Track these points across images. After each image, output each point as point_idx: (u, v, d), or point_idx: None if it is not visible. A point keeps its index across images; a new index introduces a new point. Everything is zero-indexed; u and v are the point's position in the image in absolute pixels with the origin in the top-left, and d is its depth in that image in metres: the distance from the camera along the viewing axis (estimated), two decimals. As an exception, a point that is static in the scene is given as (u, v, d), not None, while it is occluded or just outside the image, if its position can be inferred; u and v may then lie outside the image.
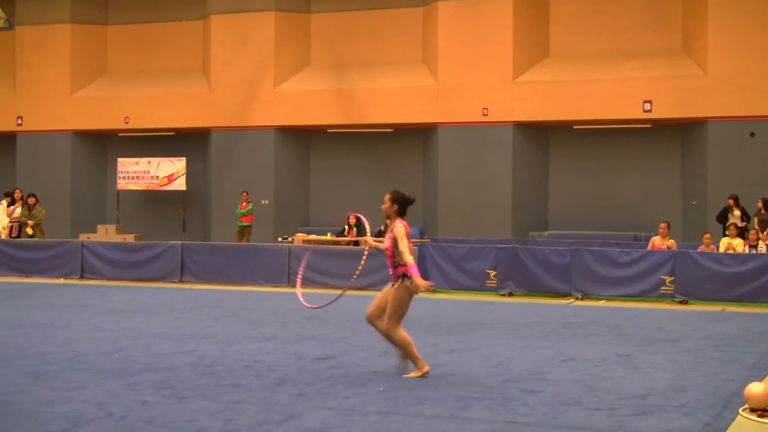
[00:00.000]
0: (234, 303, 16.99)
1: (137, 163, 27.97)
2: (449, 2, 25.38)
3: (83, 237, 24.78)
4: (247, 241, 25.08)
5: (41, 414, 7.83)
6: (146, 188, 27.96)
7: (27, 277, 21.59)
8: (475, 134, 25.21)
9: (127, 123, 28.31)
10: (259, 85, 26.93)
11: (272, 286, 19.95)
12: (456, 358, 10.82)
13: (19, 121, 29.17)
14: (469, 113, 25.20)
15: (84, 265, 21.50)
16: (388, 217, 9.86)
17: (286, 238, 24.78)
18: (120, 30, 29.48)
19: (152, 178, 27.81)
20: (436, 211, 25.56)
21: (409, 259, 9.40)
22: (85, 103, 28.78)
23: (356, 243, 21.86)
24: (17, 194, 23.75)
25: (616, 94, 24.27)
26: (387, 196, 9.76)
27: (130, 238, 25.31)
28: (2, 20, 27.54)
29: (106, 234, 25.89)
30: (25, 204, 23.43)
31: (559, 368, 10.22)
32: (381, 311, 9.69)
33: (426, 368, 9.61)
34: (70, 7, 28.88)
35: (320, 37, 27.49)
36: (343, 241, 22.08)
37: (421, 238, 23.99)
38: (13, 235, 23.18)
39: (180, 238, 25.83)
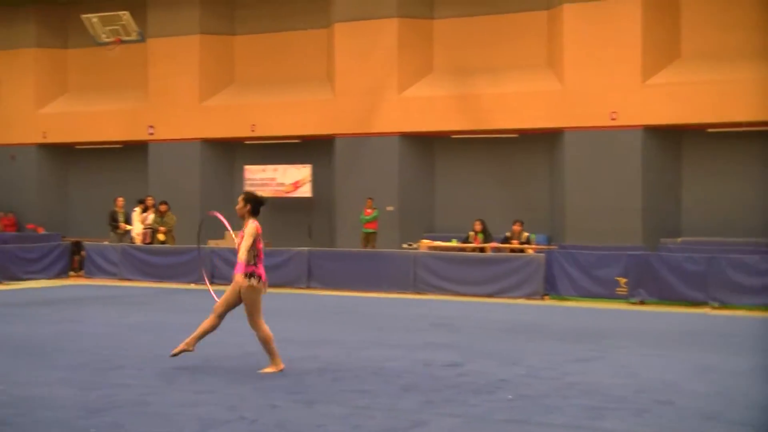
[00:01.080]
0: (360, 309, 17.09)
1: (264, 171, 28.42)
2: (574, 5, 25.03)
3: (211, 243, 25.30)
4: (373, 247, 25.21)
5: (175, 416, 8.01)
6: (273, 195, 28.38)
7: (159, 282, 22.16)
8: (603, 139, 24.79)
9: (253, 131, 28.79)
10: (383, 91, 27.05)
11: (398, 293, 20.00)
12: (586, 367, 10.64)
13: (151, 131, 29.98)
14: (597, 117, 24.78)
15: (214, 270, 21.95)
16: (242, 217, 10.27)
17: (412, 245, 24.82)
18: (246, 40, 30.02)
19: (278, 185, 28.22)
20: (564, 217, 25.22)
21: (242, 255, 9.91)
22: (213, 112, 29.40)
23: (482, 250, 21.74)
24: (149, 201, 24.43)
25: (753, 95, 23.49)
26: (240, 197, 10.33)
27: (257, 245, 25.66)
28: (135, 33, 28.36)
29: (232, 240, 26.30)
30: (157, 211, 24.08)
31: (695, 379, 9.94)
32: (228, 307, 10.19)
33: (281, 365, 10.11)
34: (199, 20, 29.55)
35: (443, 42, 27.45)
36: (468, 247, 21.98)
37: (548, 244, 23.71)
38: (146, 242, 23.85)
39: (306, 244, 26.13)
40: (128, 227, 24.69)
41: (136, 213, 24.49)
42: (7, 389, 8.99)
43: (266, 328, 10.14)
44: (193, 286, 21.51)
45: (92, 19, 28.27)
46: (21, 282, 22.01)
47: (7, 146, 32.25)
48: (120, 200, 24.81)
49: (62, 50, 32.47)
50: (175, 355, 10.37)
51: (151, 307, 17.15)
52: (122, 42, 28.71)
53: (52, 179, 32.43)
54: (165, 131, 29.77)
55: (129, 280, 22.63)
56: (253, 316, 10.08)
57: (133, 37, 28.51)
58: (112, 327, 13.94)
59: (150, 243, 23.75)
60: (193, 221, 27.98)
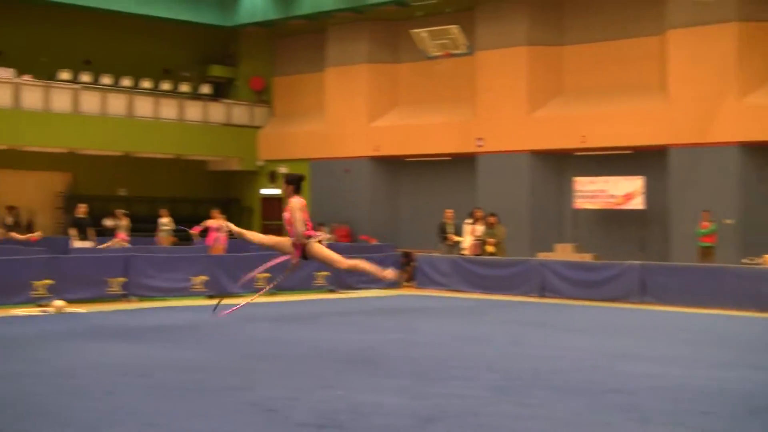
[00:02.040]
0: (699, 326, 16.36)
1: (594, 182, 27.93)
2: None
3: (541, 255, 25.16)
4: (711, 262, 24.07)
5: (505, 429, 7.92)
6: (603, 207, 27.83)
7: (488, 293, 22.29)
8: None
9: (583, 142, 28.38)
10: (721, 99, 25.83)
11: (739, 310, 18.95)
12: None
13: (480, 143, 30.30)
14: None
15: (543, 283, 21.79)
16: (288, 197, 11.57)
17: (753, 260, 23.47)
18: (575, 50, 29.66)
19: (609, 197, 27.62)
20: None
21: (300, 227, 11.28)
22: (542, 123, 29.28)
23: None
24: (478, 213, 24.68)
25: None
26: (283, 181, 11.75)
27: (587, 258, 25.31)
28: (463, 46, 28.84)
29: (564, 253, 26.10)
30: (486, 223, 24.27)
31: None
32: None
33: (390, 271, 11.92)
34: (526, 31, 29.54)
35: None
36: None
37: None
38: (475, 253, 24.10)
39: (637, 257, 25.36)
40: (458, 239, 25.08)
41: (467, 225, 24.82)
42: (345, 395, 9.27)
43: (346, 260, 11.54)
44: (522, 298, 21.47)
45: (422, 33, 29.03)
46: (355, 291, 22.87)
47: (341, 159, 33.74)
48: (449, 212, 25.25)
49: (393, 65, 33.57)
50: None
51: (481, 318, 17.25)
52: (451, 55, 29.29)
53: (384, 191, 33.58)
54: (493, 143, 29.98)
55: (459, 291, 22.93)
56: (334, 263, 11.54)
57: (462, 50, 28.99)
58: (443, 337, 14.11)
59: (479, 254, 23.98)
60: (521, 233, 28.05)
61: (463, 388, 9.74)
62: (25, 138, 30.09)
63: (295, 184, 11.66)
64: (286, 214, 11.58)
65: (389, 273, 11.79)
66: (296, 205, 11.44)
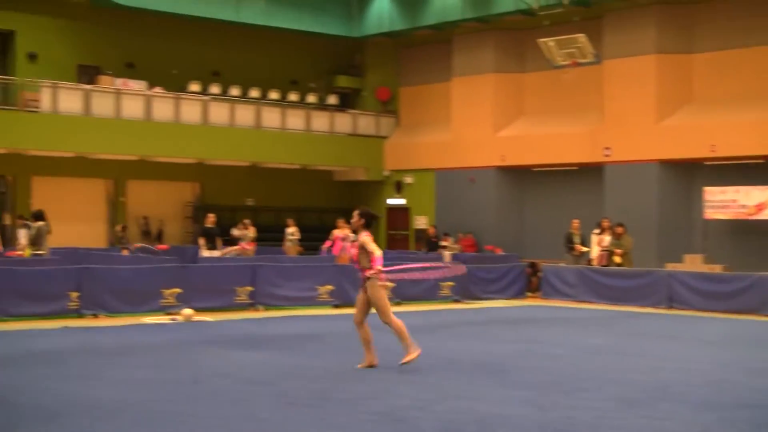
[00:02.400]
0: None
1: (724, 192, 27.27)
2: None
3: (669, 266, 24.69)
4: None
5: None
6: (734, 218, 27.16)
7: (615, 305, 22.00)
8: None
9: (713, 151, 27.76)
10: None
11: None
12: None
13: (607, 152, 29.92)
14: None
15: (671, 294, 21.38)
16: (356, 231, 11.75)
17: None
18: (705, 57, 29.03)
19: (740, 207, 26.93)
20: None
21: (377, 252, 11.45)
22: (670, 132, 28.74)
23: None
24: (605, 224, 24.37)
25: None
26: (356, 212, 11.77)
27: (717, 269, 24.73)
28: (591, 55, 28.56)
29: (693, 264, 25.57)
30: (613, 233, 23.95)
31: None
32: (364, 314, 11.62)
33: (418, 351, 11.57)
34: (655, 39, 29.06)
35: None
36: None
37: None
38: (602, 264, 23.81)
39: (771, 269, 24.67)
40: (584, 249, 24.81)
41: (594, 235, 24.54)
42: (471, 406, 9.28)
43: (396, 319, 11.58)
44: (649, 309, 21.12)
45: (549, 42, 28.87)
46: (480, 301, 22.83)
47: (467, 169, 33.73)
48: (576, 222, 25.01)
49: (519, 74, 33.42)
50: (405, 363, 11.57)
51: (608, 329, 17.04)
52: (578, 65, 29.04)
53: (510, 201, 33.44)
54: (621, 153, 29.57)
55: (585, 301, 22.69)
56: (383, 312, 11.53)
57: (589, 59, 28.72)
58: (569, 348, 14.00)
59: (606, 265, 23.68)
60: (649, 244, 27.59)
61: (590, 399, 9.66)
62: (155, 149, 30.93)
63: (366, 219, 11.78)
64: (353, 250, 11.72)
65: (414, 354, 11.62)
66: (366, 239, 11.57)
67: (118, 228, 29.26)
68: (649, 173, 28.91)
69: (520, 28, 32.94)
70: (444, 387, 10.32)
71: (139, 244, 27.88)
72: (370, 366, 11.64)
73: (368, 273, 11.49)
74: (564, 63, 29.06)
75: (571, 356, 13.07)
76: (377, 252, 11.52)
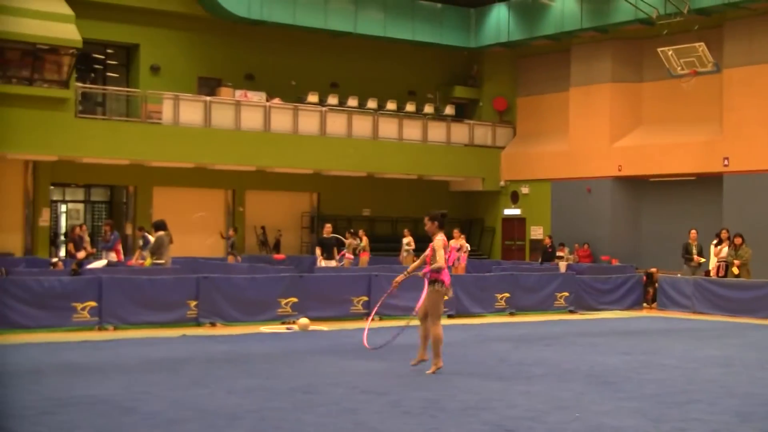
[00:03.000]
0: None
1: None
2: None
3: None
4: None
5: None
6: None
7: (733, 316, 21.56)
8: None
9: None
10: None
11: None
12: None
13: (726, 162, 29.36)
14: None
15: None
16: (432, 233, 11.94)
17: None
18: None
19: None
20: None
21: (440, 263, 11.63)
22: (794, 142, 28.11)
23: None
24: (724, 234, 23.89)
25: None
26: (426, 218, 12.13)
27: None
28: (710, 64, 28.06)
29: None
30: (731, 244, 23.48)
31: None
32: (426, 312, 11.92)
33: (440, 364, 11.79)
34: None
35: None
36: None
37: None
38: (720, 275, 23.37)
39: None
40: (702, 260, 24.39)
41: (712, 246, 24.11)
42: (582, 416, 9.28)
43: (440, 326, 11.82)
44: (769, 323, 20.67)
45: (668, 52, 28.47)
46: (595, 312, 22.62)
47: (583, 179, 33.49)
48: (693, 232, 24.60)
49: (637, 84, 33.04)
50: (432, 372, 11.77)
51: (725, 341, 16.73)
52: (697, 74, 28.57)
53: (626, 211, 33.06)
54: (740, 162, 28.99)
55: (702, 313, 22.29)
56: (434, 316, 11.82)
57: (708, 68, 28.25)
58: (684, 360, 13.82)
59: (724, 276, 23.22)
60: (769, 255, 26.95)
61: (705, 412, 9.56)
62: (274, 160, 31.45)
63: (438, 220, 12.01)
64: (429, 251, 11.90)
65: (438, 367, 11.85)
66: (438, 244, 11.76)
67: (231, 232, 29.61)
68: (769, 183, 28.28)
69: (638, 38, 32.59)
70: (556, 397, 10.32)
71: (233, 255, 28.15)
72: (421, 360, 12.10)
73: (430, 275, 11.81)
74: (683, 72, 28.63)
75: (686, 368, 12.91)
76: (440, 261, 11.69)
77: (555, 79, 35.39)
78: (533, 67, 36.72)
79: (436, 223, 12.04)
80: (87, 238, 26.92)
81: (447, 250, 11.98)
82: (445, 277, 11.87)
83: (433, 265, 11.76)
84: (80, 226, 27.38)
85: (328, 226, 25.28)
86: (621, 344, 15.90)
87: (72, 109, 28.09)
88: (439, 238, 11.86)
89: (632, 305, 23.68)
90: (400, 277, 12.29)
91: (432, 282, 11.85)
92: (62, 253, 30.23)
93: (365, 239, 28.47)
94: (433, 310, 11.88)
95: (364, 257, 28.02)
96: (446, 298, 12.02)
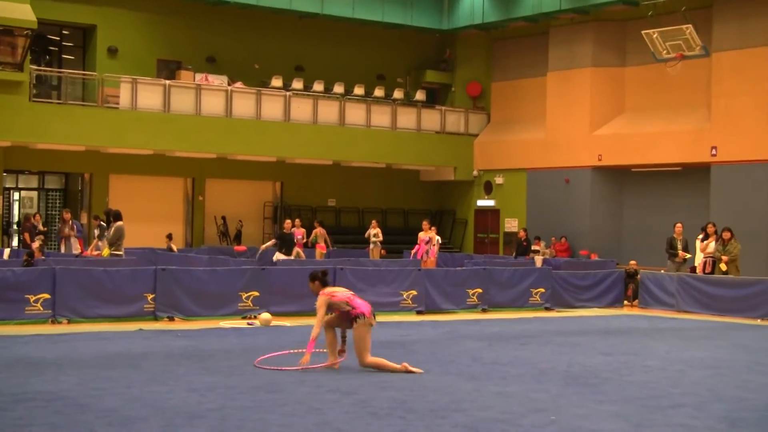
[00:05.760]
0: None
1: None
2: None
3: (781, 276, 24.16)
4: None
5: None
6: None
7: (720, 315, 21.58)
8: None
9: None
10: None
11: None
12: None
13: (714, 152, 29.42)
14: None
15: None
16: (315, 294, 12.10)
17: None
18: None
19: None
20: None
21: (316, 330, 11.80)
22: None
23: None
24: (710, 228, 23.91)
25: None
26: (308, 279, 12.28)
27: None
28: (698, 48, 28.00)
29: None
30: (719, 239, 23.48)
31: None
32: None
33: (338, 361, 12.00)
34: (769, 29, 28.58)
35: None
36: None
37: None
38: (706, 271, 23.38)
39: None
40: (687, 255, 24.40)
41: (698, 240, 24.13)
42: (558, 419, 9.19)
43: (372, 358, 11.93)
44: (758, 321, 20.67)
45: (653, 34, 28.44)
46: (573, 310, 22.60)
47: (561, 169, 33.48)
48: (678, 226, 24.60)
49: (619, 69, 33.05)
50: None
51: (712, 342, 16.71)
52: (684, 58, 28.53)
53: (607, 203, 33.08)
54: (729, 152, 29.05)
55: (687, 312, 22.30)
56: (366, 351, 11.89)
57: (696, 51, 28.21)
58: (668, 361, 13.76)
59: (711, 273, 23.24)
60: (759, 251, 27.05)
61: (690, 417, 9.49)
62: (235, 147, 31.31)
63: (319, 279, 12.12)
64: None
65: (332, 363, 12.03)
66: (320, 302, 11.90)
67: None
68: (760, 174, 28.35)
69: (621, 19, 32.62)
70: (531, 399, 10.23)
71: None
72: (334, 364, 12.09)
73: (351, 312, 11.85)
74: (669, 56, 28.60)
75: (670, 370, 12.85)
76: (316, 325, 11.81)
77: (532, 63, 35.35)
78: (509, 50, 36.66)
79: (317, 282, 12.15)
80: (41, 227, 26.84)
81: (333, 307, 11.95)
82: (363, 308, 11.89)
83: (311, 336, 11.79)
84: (34, 215, 27.31)
85: (288, 222, 25.14)
86: (601, 344, 15.85)
87: (26, 92, 27.97)
88: (320, 303, 11.93)
89: (612, 303, 23.67)
90: (306, 357, 11.90)
91: (354, 318, 11.84)
92: (14, 242, 30.06)
93: (320, 230, 28.43)
94: (362, 344, 11.89)
95: (319, 250, 27.92)
96: (373, 325, 11.97)
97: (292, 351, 12.86)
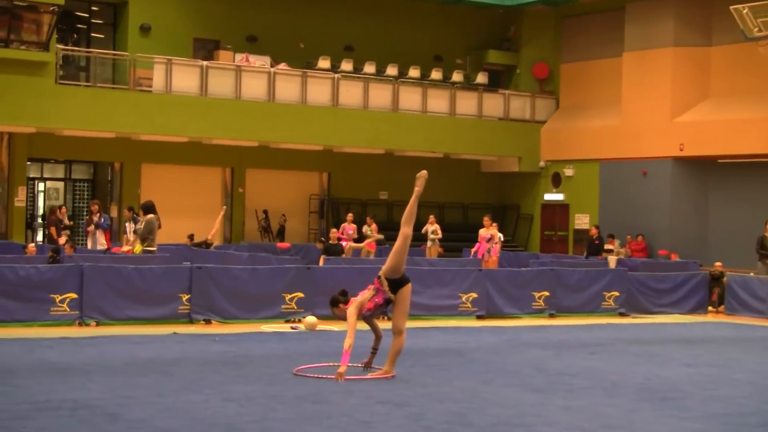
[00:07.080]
0: None
1: None
2: None
3: None
4: None
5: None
6: None
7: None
8: None
9: None
10: None
11: None
12: None
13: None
14: None
15: None
16: (342, 317, 12.34)
17: None
18: None
19: None
20: None
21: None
22: None
23: None
24: None
25: None
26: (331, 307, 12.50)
27: None
28: None
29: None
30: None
31: None
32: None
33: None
34: None
35: None
36: None
37: None
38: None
39: None
40: (780, 256, 24.22)
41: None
42: (631, 435, 9.18)
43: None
44: None
45: (743, 10, 28.14)
46: (651, 316, 22.48)
47: (638, 160, 33.25)
48: (771, 224, 24.41)
49: (704, 48, 32.75)
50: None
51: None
52: (777, 36, 28.23)
53: (689, 198, 32.79)
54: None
55: (779, 319, 22.14)
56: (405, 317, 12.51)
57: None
58: (756, 375, 13.67)
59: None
60: None
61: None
62: (278, 134, 31.39)
63: (339, 301, 12.31)
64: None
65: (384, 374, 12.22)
66: (350, 311, 12.14)
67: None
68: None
69: (706, -6, 32.35)
70: (602, 414, 10.21)
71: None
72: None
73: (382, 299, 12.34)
74: (760, 34, 28.29)
75: (761, 384, 12.78)
76: (347, 339, 11.86)
77: (606, 42, 35.13)
78: (581, 28, 36.48)
79: (339, 305, 12.33)
80: (66, 221, 27.11)
81: (362, 309, 12.21)
82: (379, 298, 12.24)
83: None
84: (60, 207, 27.48)
85: (334, 231, 25.10)
86: (681, 354, 15.77)
87: (52, 74, 28.14)
88: (351, 311, 12.13)
89: (694, 308, 23.51)
90: (342, 370, 11.86)
91: (387, 300, 12.30)
92: (39, 237, 30.37)
93: (374, 226, 28.52)
94: (406, 307, 12.57)
95: (370, 248, 27.96)
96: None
97: (331, 364, 12.72)
